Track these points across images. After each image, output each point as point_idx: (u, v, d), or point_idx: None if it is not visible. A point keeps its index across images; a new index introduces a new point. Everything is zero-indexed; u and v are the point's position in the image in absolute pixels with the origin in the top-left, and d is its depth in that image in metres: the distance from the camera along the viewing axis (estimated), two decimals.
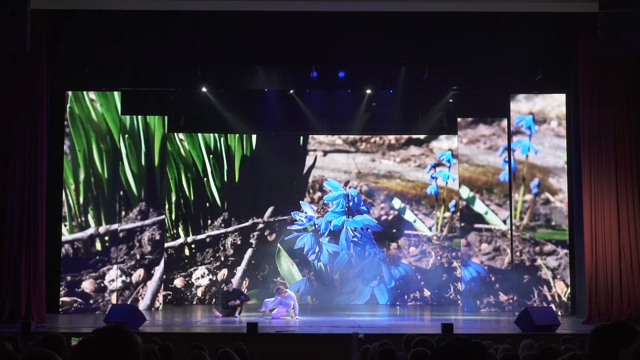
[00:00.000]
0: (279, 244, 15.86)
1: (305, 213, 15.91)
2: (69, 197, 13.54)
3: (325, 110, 15.44)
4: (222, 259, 15.91)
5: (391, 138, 16.27)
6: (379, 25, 12.46)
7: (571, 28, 12.41)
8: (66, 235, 13.51)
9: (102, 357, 2.28)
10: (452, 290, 15.68)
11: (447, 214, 15.98)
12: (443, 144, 16.10)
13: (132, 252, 14.21)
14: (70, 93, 13.63)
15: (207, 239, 15.98)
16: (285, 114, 15.28)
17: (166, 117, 14.62)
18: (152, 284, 14.13)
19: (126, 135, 14.27)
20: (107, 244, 13.65)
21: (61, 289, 13.34)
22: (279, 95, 15.00)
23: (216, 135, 16.02)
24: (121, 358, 2.28)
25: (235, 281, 15.29)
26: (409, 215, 16.08)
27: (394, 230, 16.00)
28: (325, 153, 16.32)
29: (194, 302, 15.71)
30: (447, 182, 16.02)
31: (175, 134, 15.81)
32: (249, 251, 15.92)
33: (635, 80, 12.23)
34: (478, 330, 10.77)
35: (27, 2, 10.01)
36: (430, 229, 16.02)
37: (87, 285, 13.49)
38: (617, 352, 2.18)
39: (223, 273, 15.76)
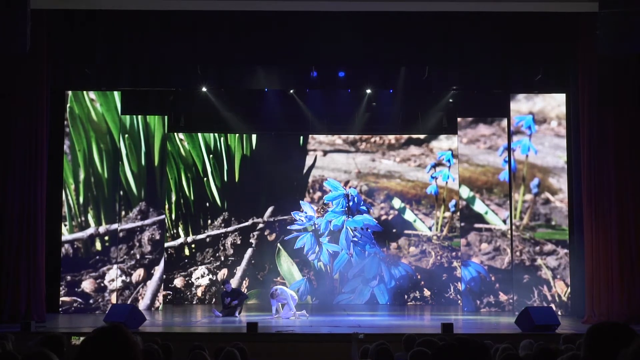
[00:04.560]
0: (279, 244, 15.86)
1: (305, 213, 15.91)
2: (69, 197, 13.55)
3: (325, 110, 15.44)
4: (222, 258, 15.91)
5: (391, 138, 16.27)
6: (379, 25, 12.46)
7: (571, 28, 12.41)
8: (66, 235, 13.51)
9: (101, 358, 2.28)
10: (452, 290, 15.69)
11: (447, 214, 15.99)
12: (443, 143, 16.11)
13: (132, 252, 14.21)
14: (70, 93, 13.64)
15: (207, 239, 15.99)
16: (285, 114, 15.27)
17: (166, 117, 14.62)
18: (152, 284, 14.14)
19: (126, 135, 14.28)
20: (107, 244, 13.65)
21: (61, 288, 13.35)
22: (279, 95, 15.00)
23: (216, 135, 16.02)
24: (120, 358, 2.28)
25: (235, 281, 15.32)
26: (409, 215, 16.08)
27: (394, 230, 16.01)
28: (325, 153, 16.33)
29: (194, 302, 15.71)
30: (447, 182, 16.03)
31: (175, 134, 15.81)
32: (249, 251, 15.92)
33: (635, 80, 12.22)
34: (478, 330, 10.78)
35: (27, 2, 10.00)
36: (430, 228, 16.02)
37: (87, 285, 13.49)
38: (614, 353, 2.17)
39: (223, 273, 15.77)
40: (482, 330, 10.88)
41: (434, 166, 16.11)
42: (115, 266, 13.67)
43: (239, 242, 15.96)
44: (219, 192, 16.04)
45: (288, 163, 16.07)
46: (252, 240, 15.96)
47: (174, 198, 15.91)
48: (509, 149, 14.13)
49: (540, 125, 13.85)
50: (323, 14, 11.99)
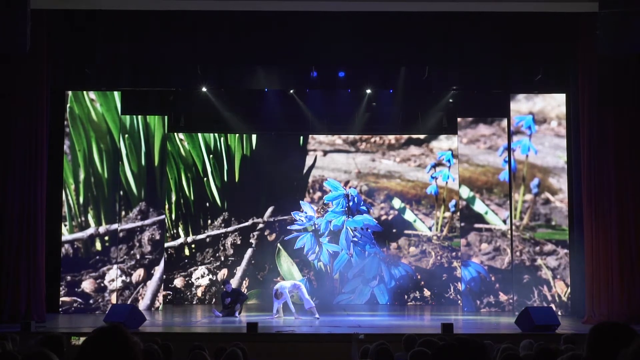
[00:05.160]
0: (279, 244, 15.86)
1: (305, 213, 15.91)
2: (69, 197, 13.55)
3: (325, 110, 15.44)
4: (222, 259, 15.91)
5: (391, 138, 16.27)
6: (379, 25, 12.46)
7: (571, 28, 12.41)
8: (66, 235, 13.51)
9: (101, 358, 2.27)
10: (452, 290, 15.69)
11: (447, 214, 15.99)
12: (443, 143, 16.11)
13: (132, 252, 14.21)
14: (70, 93, 13.64)
15: (207, 239, 15.99)
16: (285, 114, 15.27)
17: (166, 117, 14.62)
18: (152, 284, 14.13)
19: (126, 135, 14.28)
20: (107, 244, 13.65)
21: (61, 289, 13.35)
22: (279, 95, 15.00)
23: (216, 135, 16.02)
24: (120, 358, 2.28)
25: (235, 281, 15.32)
26: (409, 215, 16.08)
27: (394, 230, 16.01)
28: (325, 153, 16.32)
29: (194, 302, 15.71)
30: (447, 182, 16.02)
31: (175, 134, 15.81)
32: (249, 251, 15.92)
33: (635, 80, 12.23)
34: (478, 330, 10.78)
35: (27, 2, 10.00)
36: (430, 229, 16.02)
37: (87, 285, 13.49)
38: (614, 353, 2.18)
39: (223, 273, 15.77)
40: (482, 330, 10.88)
41: (434, 166, 16.10)
42: (115, 266, 13.67)
43: (239, 242, 15.96)
44: (219, 192, 16.04)
45: (288, 163, 16.07)
46: (252, 240, 15.96)
47: (174, 198, 15.91)
48: (509, 149, 14.13)
49: (540, 125, 13.85)
50: (323, 14, 11.99)
